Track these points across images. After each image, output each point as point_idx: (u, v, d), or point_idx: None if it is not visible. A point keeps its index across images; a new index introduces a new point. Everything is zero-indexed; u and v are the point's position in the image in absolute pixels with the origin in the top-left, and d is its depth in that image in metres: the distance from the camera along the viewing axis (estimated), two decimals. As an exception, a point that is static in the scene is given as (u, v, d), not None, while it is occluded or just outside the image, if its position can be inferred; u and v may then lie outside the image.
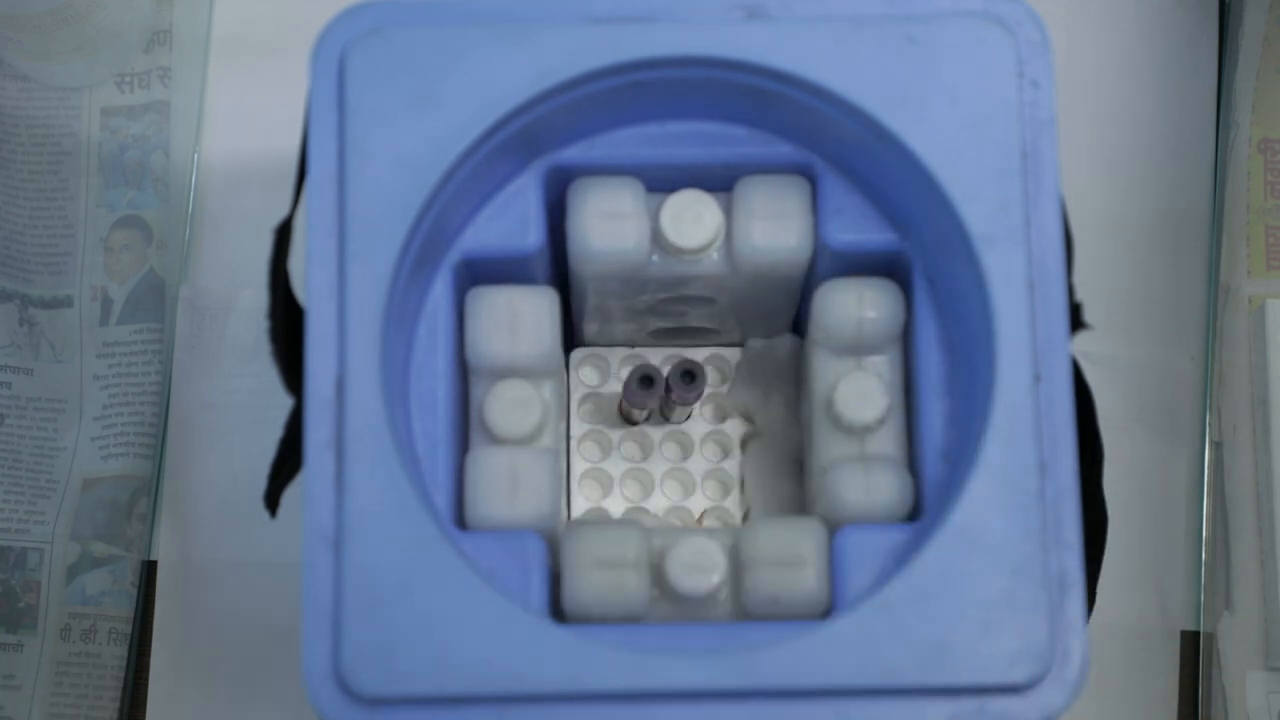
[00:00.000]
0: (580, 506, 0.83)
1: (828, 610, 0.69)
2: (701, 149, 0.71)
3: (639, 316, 0.79)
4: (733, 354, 0.84)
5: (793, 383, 0.81)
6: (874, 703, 0.63)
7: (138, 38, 0.99)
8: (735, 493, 0.83)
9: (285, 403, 0.68)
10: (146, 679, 0.92)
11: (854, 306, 0.72)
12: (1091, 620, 0.66)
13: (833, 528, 0.69)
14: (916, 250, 0.71)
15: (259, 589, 0.92)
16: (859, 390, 0.72)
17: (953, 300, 0.69)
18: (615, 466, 0.84)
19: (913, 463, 0.72)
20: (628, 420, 0.84)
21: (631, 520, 0.72)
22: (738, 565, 0.70)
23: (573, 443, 0.83)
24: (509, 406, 0.71)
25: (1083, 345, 0.69)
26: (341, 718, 0.63)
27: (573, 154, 0.71)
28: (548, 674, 0.62)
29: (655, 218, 0.72)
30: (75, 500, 0.93)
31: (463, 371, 0.73)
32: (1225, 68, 0.97)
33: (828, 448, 0.73)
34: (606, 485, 0.84)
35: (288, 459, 0.69)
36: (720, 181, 0.72)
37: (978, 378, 0.67)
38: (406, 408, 0.69)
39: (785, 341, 0.81)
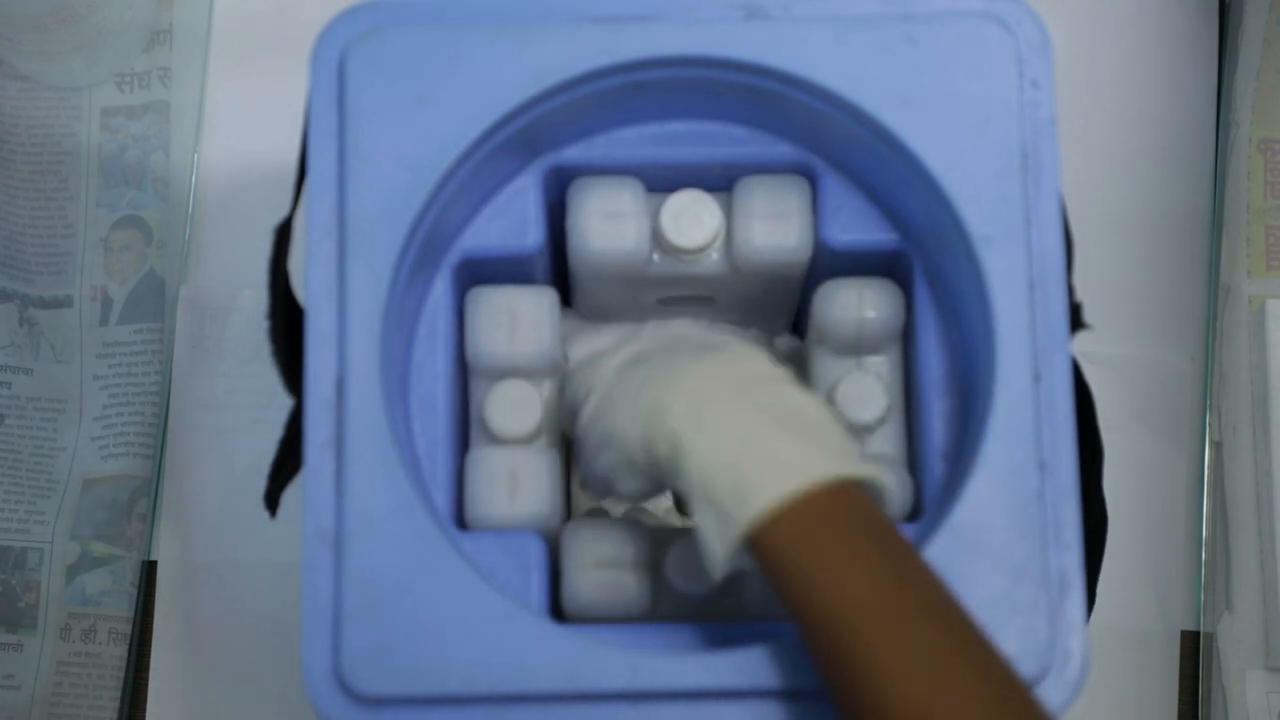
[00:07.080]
0: (580, 506, 0.83)
1: (827, 610, 0.69)
2: (701, 149, 0.71)
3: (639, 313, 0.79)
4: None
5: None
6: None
7: (138, 38, 0.99)
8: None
9: (285, 403, 0.68)
10: (146, 679, 0.92)
11: (854, 306, 0.72)
12: (1091, 620, 0.66)
13: (833, 527, 0.69)
14: (916, 250, 0.71)
15: (259, 589, 0.92)
16: (859, 390, 0.72)
17: (953, 300, 0.69)
18: (615, 466, 0.84)
19: (913, 463, 0.72)
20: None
21: (631, 520, 0.72)
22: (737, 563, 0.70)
23: (573, 443, 0.83)
24: (509, 406, 0.71)
25: (1083, 345, 0.69)
26: (341, 717, 0.63)
27: (573, 154, 0.71)
28: (547, 673, 0.62)
29: (655, 217, 0.72)
30: (75, 500, 0.93)
31: (462, 371, 0.73)
32: (1225, 68, 0.97)
33: (828, 448, 0.73)
34: (606, 485, 0.84)
35: (288, 459, 0.69)
36: (720, 181, 0.72)
37: (978, 378, 0.67)
38: (406, 408, 0.69)
39: (783, 341, 0.81)
